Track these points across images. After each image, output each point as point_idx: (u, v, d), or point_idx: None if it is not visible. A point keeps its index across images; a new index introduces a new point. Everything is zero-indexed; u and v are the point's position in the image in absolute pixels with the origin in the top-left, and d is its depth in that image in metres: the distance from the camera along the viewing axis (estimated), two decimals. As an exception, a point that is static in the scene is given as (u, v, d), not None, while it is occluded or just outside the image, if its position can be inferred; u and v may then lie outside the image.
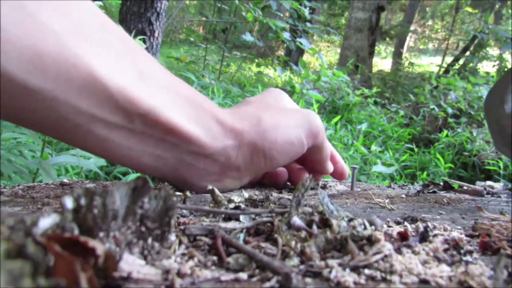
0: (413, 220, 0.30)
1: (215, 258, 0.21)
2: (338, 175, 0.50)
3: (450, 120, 3.51)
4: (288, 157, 0.41)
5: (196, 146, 0.36)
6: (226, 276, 0.19)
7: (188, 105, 0.36)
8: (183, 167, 0.37)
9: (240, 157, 0.39)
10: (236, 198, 0.30)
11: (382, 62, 10.47)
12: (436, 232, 0.27)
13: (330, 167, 0.48)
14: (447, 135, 3.10)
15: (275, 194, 0.41)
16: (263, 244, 0.23)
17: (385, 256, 0.21)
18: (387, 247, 0.21)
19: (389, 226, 0.28)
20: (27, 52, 0.27)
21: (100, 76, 0.30)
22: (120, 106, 0.31)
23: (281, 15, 2.85)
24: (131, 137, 0.33)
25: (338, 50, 9.01)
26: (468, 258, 0.22)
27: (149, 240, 0.20)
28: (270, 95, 0.46)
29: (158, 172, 0.37)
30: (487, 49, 5.79)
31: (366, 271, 0.20)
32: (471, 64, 5.57)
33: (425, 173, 2.48)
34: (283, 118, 0.41)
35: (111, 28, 0.33)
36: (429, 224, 0.28)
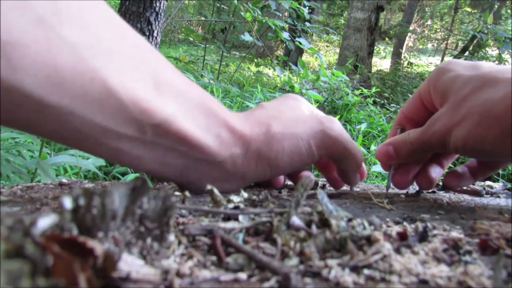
0: (412, 220, 0.30)
1: (214, 258, 0.21)
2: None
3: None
4: (294, 166, 0.40)
5: (205, 154, 0.36)
6: (225, 276, 0.19)
7: (200, 112, 0.36)
8: (188, 172, 0.37)
9: (246, 165, 0.39)
10: (235, 198, 0.30)
11: (381, 62, 10.48)
12: (435, 232, 0.27)
13: (354, 180, 0.46)
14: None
15: (274, 194, 0.41)
16: (262, 244, 0.23)
17: (384, 256, 0.21)
18: (386, 247, 0.21)
19: (388, 226, 0.28)
20: (45, 68, 0.27)
21: (115, 89, 0.30)
22: (133, 118, 0.31)
23: (280, 14, 2.85)
24: (141, 147, 0.33)
25: (337, 50, 9.01)
26: (467, 258, 0.22)
27: (148, 240, 0.20)
28: (286, 101, 0.45)
29: (163, 176, 0.37)
30: (486, 49, 5.79)
31: (366, 271, 0.20)
32: (470, 64, 5.56)
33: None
34: (293, 126, 0.40)
35: (129, 37, 0.33)
36: (428, 224, 0.28)
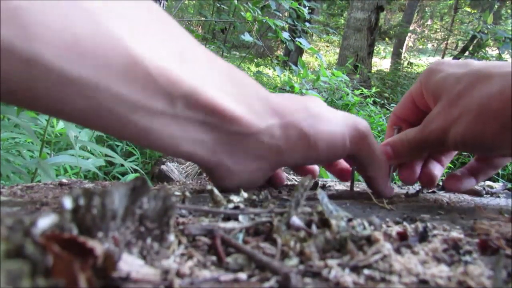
0: (412, 220, 0.30)
1: (214, 258, 0.21)
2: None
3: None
4: (329, 153, 0.38)
5: (238, 125, 0.34)
6: (225, 276, 0.19)
7: (230, 83, 0.35)
8: (222, 150, 0.35)
9: (284, 138, 0.36)
10: (235, 198, 0.30)
11: (381, 62, 10.48)
12: (435, 232, 0.27)
13: (385, 188, 0.43)
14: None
15: (274, 194, 0.41)
16: (262, 244, 0.23)
17: (384, 256, 0.21)
18: (386, 247, 0.21)
19: (388, 226, 0.28)
20: (65, 37, 0.25)
21: (140, 58, 0.28)
22: (161, 89, 0.30)
23: (280, 14, 2.85)
24: (173, 124, 0.32)
25: (337, 50, 9.01)
26: (467, 258, 0.22)
27: (148, 240, 0.20)
28: (308, 96, 0.43)
29: (195, 157, 0.35)
30: (486, 49, 5.79)
31: (365, 271, 0.20)
32: (470, 64, 5.56)
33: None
34: (329, 112, 0.39)
35: (153, 9, 0.32)
36: (428, 224, 0.28)
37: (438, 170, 0.45)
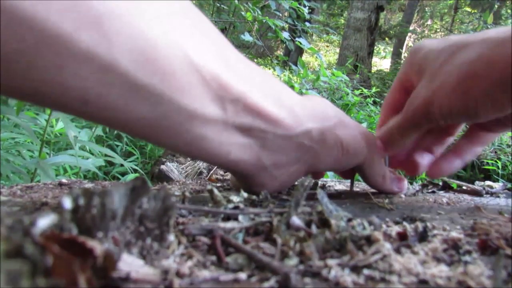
0: (412, 220, 0.30)
1: (214, 258, 0.21)
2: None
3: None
4: (354, 158, 0.40)
5: (282, 128, 0.35)
6: (225, 276, 0.19)
7: (271, 89, 0.36)
8: (266, 154, 0.36)
9: (321, 141, 0.38)
10: (235, 198, 0.30)
11: (381, 62, 10.48)
12: (435, 232, 0.27)
13: (388, 183, 0.44)
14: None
15: (274, 194, 0.41)
16: (262, 244, 0.23)
17: (384, 256, 0.21)
18: (386, 247, 0.21)
19: (388, 226, 0.28)
20: (139, 42, 0.25)
21: (198, 64, 0.29)
22: (214, 95, 0.30)
23: (280, 14, 2.85)
24: (223, 130, 0.33)
25: (337, 50, 9.01)
26: (467, 258, 0.22)
27: (148, 240, 0.20)
28: (328, 103, 0.44)
29: (244, 164, 0.36)
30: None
31: (365, 271, 0.20)
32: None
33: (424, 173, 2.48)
34: (350, 120, 0.41)
35: (196, 11, 0.32)
36: (428, 224, 0.28)
37: (425, 158, 0.45)
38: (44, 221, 0.16)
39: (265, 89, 0.35)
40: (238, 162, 0.35)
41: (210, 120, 0.31)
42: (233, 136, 0.33)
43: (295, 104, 0.37)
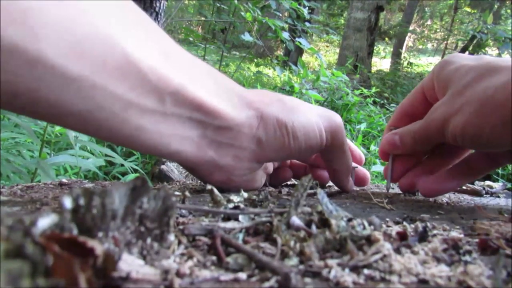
0: (412, 220, 0.30)
1: (214, 258, 0.21)
2: (359, 179, 0.49)
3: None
4: (307, 143, 0.40)
5: (220, 119, 0.36)
6: (225, 276, 0.19)
7: (210, 80, 0.37)
8: (208, 145, 0.37)
9: (263, 127, 0.38)
10: (235, 198, 0.30)
11: (381, 62, 10.48)
12: (435, 232, 0.27)
13: (346, 184, 0.46)
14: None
15: (274, 194, 0.41)
16: (262, 244, 0.23)
17: (384, 256, 0.21)
18: (386, 247, 0.21)
19: (388, 226, 0.28)
20: (67, 36, 0.26)
21: (133, 57, 0.30)
22: (152, 87, 0.31)
23: (280, 14, 2.85)
24: (162, 121, 0.33)
25: (337, 50, 9.01)
26: (467, 258, 0.22)
27: (148, 240, 0.20)
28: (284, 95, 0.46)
29: (185, 155, 0.37)
30: (486, 49, 5.79)
31: (365, 271, 0.20)
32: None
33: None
34: (304, 105, 0.41)
35: (135, 10, 0.33)
36: (428, 224, 0.28)
37: (423, 179, 0.43)
38: (45, 221, 0.16)
39: (205, 81, 0.36)
40: (180, 153, 0.36)
41: (147, 110, 0.32)
42: (173, 128, 0.34)
43: (234, 95, 0.38)
